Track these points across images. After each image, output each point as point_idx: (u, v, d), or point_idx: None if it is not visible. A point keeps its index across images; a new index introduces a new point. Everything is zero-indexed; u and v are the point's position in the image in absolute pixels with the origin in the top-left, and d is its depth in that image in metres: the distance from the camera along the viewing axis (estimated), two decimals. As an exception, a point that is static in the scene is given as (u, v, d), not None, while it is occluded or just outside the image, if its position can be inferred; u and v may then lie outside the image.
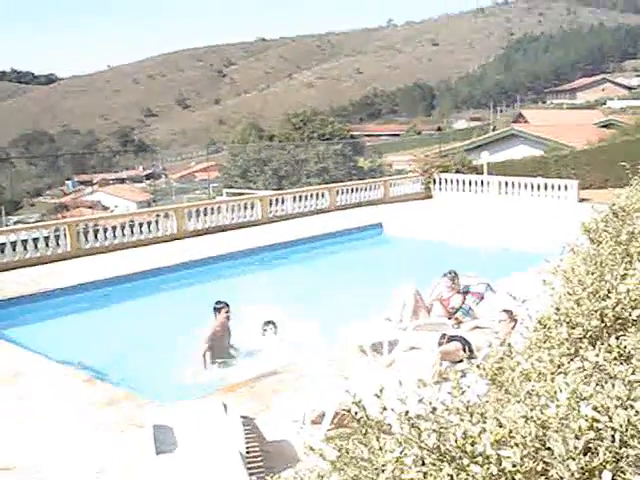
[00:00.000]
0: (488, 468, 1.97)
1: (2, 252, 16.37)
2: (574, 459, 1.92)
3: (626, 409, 1.99)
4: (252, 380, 8.83)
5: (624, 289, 2.97)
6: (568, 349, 2.79)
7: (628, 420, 1.94)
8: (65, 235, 17.45)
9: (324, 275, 16.70)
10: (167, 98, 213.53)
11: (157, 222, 19.40)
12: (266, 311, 11.06)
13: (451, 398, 2.35)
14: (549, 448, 2.00)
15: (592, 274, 3.28)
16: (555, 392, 2.15)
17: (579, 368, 2.39)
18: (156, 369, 10.02)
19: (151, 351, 10.97)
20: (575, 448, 1.93)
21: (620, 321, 2.90)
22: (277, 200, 22.59)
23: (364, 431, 2.41)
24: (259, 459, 6.18)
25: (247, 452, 6.14)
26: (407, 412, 2.30)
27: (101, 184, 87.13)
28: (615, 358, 2.46)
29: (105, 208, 61.82)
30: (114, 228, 18.46)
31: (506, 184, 24.93)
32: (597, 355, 2.42)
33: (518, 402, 2.24)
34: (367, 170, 44.23)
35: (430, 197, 26.44)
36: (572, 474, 1.91)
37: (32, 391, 8.90)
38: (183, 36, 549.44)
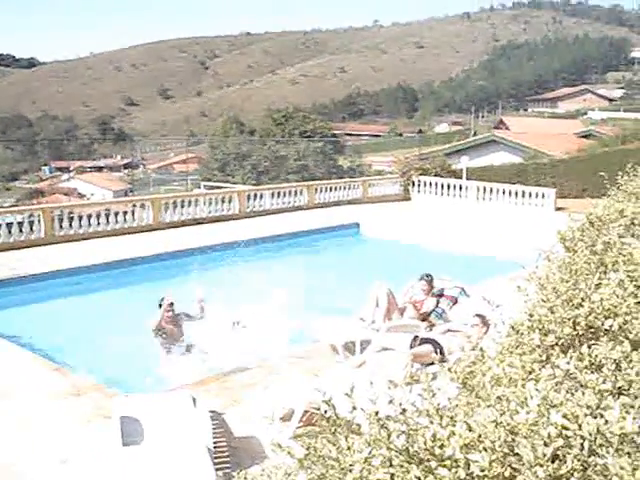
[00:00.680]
0: (456, 472, 1.97)
1: (-26, 236, 16.19)
2: (542, 466, 1.92)
3: (595, 418, 2.00)
4: (222, 375, 8.80)
5: (598, 298, 2.98)
6: (540, 356, 2.80)
7: (597, 429, 1.95)
8: (39, 221, 17.28)
9: (297, 272, 16.64)
10: (149, 88, 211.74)
11: (133, 212, 19.28)
12: (235, 306, 10.99)
13: (421, 400, 2.34)
14: (518, 454, 2.00)
15: (566, 282, 3.29)
16: (525, 398, 2.15)
17: (550, 375, 2.39)
18: (126, 360, 9.96)
19: (122, 341, 10.87)
20: (544, 455, 1.94)
21: (592, 330, 2.91)
22: (255, 195, 22.55)
23: (333, 430, 2.40)
24: (226, 454, 6.16)
25: (214, 446, 6.12)
26: (377, 412, 2.29)
27: (78, 171, 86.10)
28: (586, 367, 2.47)
29: (81, 196, 61.04)
30: (89, 216, 18.35)
31: (484, 189, 25.07)
32: (568, 363, 2.43)
33: (488, 407, 2.24)
34: (346, 169, 44.30)
35: (408, 199, 26.49)
36: (539, 480, 1.91)
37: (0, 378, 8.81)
38: (167, 26, 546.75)
